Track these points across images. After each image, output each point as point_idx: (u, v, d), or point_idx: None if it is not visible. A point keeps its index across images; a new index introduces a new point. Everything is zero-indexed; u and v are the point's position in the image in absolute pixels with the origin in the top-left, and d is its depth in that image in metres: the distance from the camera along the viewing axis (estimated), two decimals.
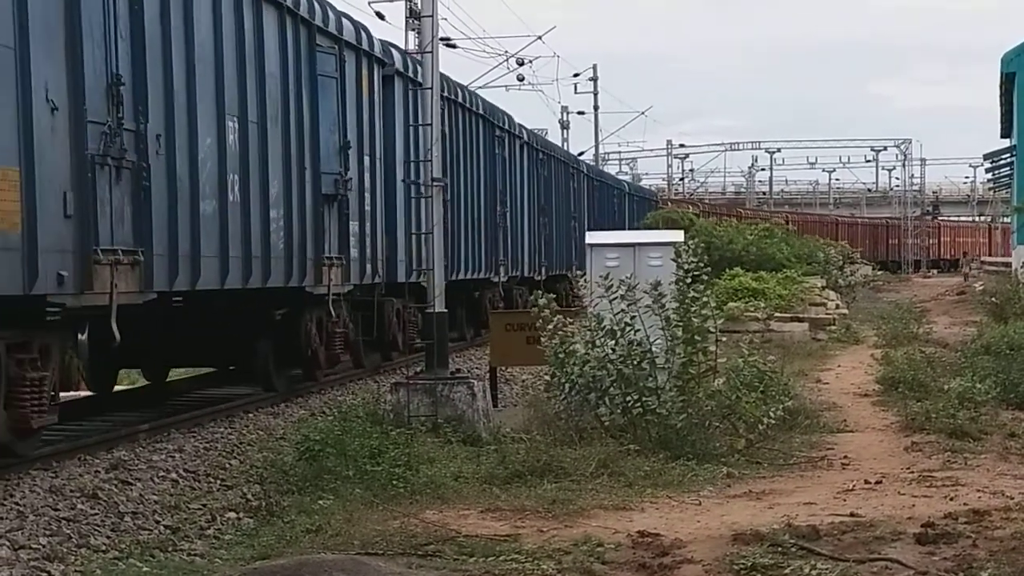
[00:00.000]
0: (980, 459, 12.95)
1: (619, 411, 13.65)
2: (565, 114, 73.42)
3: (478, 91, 33.02)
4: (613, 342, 13.66)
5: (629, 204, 52.97)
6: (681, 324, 13.72)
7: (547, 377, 14.63)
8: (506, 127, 31.16)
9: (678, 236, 16.67)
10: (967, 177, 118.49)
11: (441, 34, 19.85)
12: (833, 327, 29.17)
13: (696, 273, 14.01)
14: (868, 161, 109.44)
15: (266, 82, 16.57)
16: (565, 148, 55.71)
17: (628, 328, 13.63)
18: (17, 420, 11.75)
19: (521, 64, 53.77)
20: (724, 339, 14.73)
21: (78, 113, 12.02)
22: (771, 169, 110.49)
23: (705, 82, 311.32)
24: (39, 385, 11.95)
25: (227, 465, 13.15)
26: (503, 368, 19.49)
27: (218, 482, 12.34)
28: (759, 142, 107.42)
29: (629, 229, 41.29)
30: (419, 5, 17.97)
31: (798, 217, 79.82)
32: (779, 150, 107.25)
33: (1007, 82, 42.45)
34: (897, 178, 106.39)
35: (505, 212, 30.71)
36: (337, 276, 18.91)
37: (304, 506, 10.72)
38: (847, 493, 11.32)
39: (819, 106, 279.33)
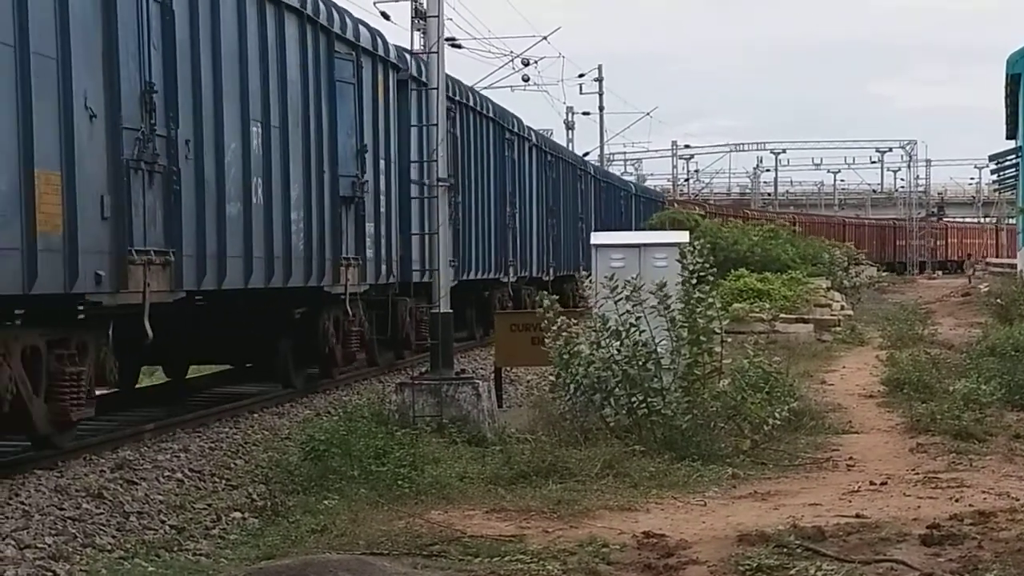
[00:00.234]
0: (985, 460, 12.94)
1: (624, 412, 13.64)
2: (570, 114, 73.48)
3: (483, 91, 33.20)
4: (618, 343, 13.66)
5: (636, 205, 53.16)
6: (686, 325, 13.72)
7: (552, 378, 14.62)
8: (516, 130, 31.61)
9: (683, 237, 16.65)
10: (972, 178, 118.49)
11: (447, 34, 19.87)
12: (838, 328, 29.14)
13: (702, 274, 14.01)
14: (873, 162, 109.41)
15: (288, 88, 17.10)
16: (570, 149, 55.72)
17: (633, 329, 13.63)
18: (57, 413, 12.32)
19: (526, 64, 53.89)
20: (729, 340, 14.72)
21: (114, 120, 12.56)
22: (776, 170, 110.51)
23: (708, 82, 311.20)
24: (77, 379, 12.51)
25: (232, 465, 13.15)
26: (508, 368, 19.49)
27: (223, 482, 12.34)
28: (764, 143, 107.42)
29: (636, 230, 41.38)
30: (425, 5, 17.99)
31: (805, 218, 79.83)
32: (784, 151, 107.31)
33: (1012, 83, 42.38)
34: (902, 179, 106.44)
35: (515, 213, 31.11)
36: (354, 276, 19.42)
37: (309, 506, 10.73)
38: (852, 494, 11.31)
39: (821, 106, 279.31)
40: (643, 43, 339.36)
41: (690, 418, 13.17)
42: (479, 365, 22.89)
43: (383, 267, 20.90)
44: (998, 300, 31.84)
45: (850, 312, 33.81)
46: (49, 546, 9.51)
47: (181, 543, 9.84)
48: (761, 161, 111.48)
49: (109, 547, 9.64)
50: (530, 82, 56.51)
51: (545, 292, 15.08)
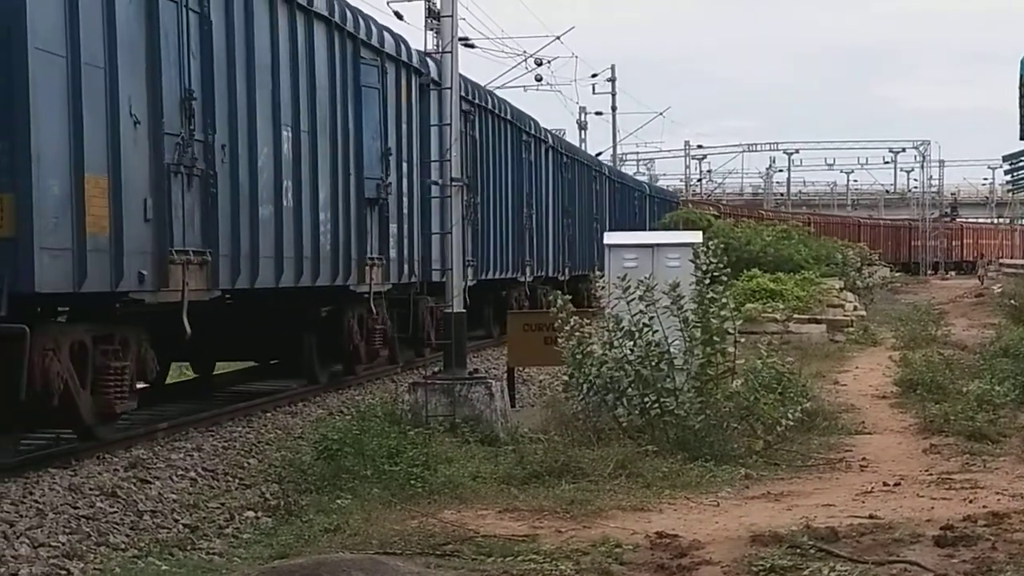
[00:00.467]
0: (999, 462, 12.91)
1: (637, 412, 13.64)
2: (583, 114, 73.49)
3: (496, 91, 33.33)
4: (631, 343, 13.65)
5: (650, 206, 53.41)
6: (699, 325, 13.71)
7: (565, 377, 14.62)
8: (533, 132, 32.04)
9: (696, 237, 16.64)
10: (986, 179, 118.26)
11: (460, 34, 19.89)
12: (851, 329, 29.11)
13: (715, 274, 14.00)
14: (887, 162, 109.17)
15: (316, 94, 17.64)
16: (583, 149, 55.75)
17: (646, 329, 13.62)
18: (103, 405, 12.89)
19: (539, 64, 53.88)
20: (742, 340, 14.71)
21: (156, 126, 13.17)
22: (789, 170, 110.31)
23: (721, 83, 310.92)
24: (121, 373, 13.10)
25: (245, 464, 13.17)
26: (521, 368, 19.49)
27: (236, 481, 12.35)
28: (777, 143, 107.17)
29: (650, 230, 41.50)
30: (439, 5, 18.05)
31: (820, 219, 79.70)
32: (797, 151, 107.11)
33: None
34: (915, 180, 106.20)
35: (531, 214, 31.55)
36: (378, 275, 20.02)
37: (322, 505, 10.74)
38: (866, 495, 11.30)
39: (832, 107, 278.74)
40: (656, 44, 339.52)
41: (703, 418, 13.16)
42: (492, 365, 22.90)
43: (405, 267, 21.37)
44: (1012, 301, 31.81)
45: (863, 312, 33.77)
46: (63, 544, 9.53)
47: (194, 542, 9.85)
48: (774, 161, 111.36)
49: (123, 546, 9.66)
50: (543, 82, 56.55)
51: (559, 292, 15.07)
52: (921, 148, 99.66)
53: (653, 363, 13.55)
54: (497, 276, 28.19)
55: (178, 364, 20.08)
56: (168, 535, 10.06)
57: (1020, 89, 43.45)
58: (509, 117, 29.43)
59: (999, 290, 43.44)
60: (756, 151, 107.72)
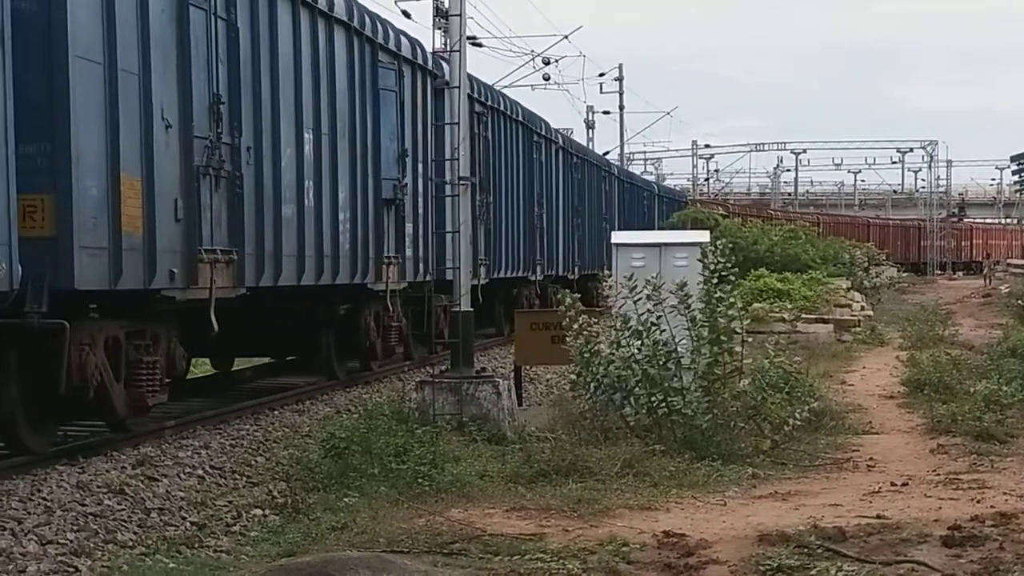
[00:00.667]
0: (1006, 462, 12.90)
1: (644, 411, 13.63)
2: (590, 114, 73.44)
3: (504, 90, 33.46)
4: (639, 342, 13.65)
5: (659, 205, 53.71)
6: (707, 324, 13.69)
7: (572, 376, 14.62)
8: (543, 133, 32.45)
9: (704, 236, 16.62)
10: (993, 179, 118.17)
11: (468, 33, 19.88)
12: (858, 329, 29.10)
13: (723, 273, 13.99)
14: (894, 162, 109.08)
15: (336, 97, 18.06)
16: (590, 148, 55.78)
17: (654, 328, 13.61)
18: (135, 398, 13.36)
19: (547, 63, 53.78)
20: (750, 340, 14.70)
21: (187, 129, 13.66)
22: (796, 170, 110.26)
23: (728, 82, 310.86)
24: (152, 367, 13.59)
25: (253, 462, 13.19)
26: (528, 367, 19.50)
27: (244, 479, 12.37)
28: (784, 143, 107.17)
29: (659, 230, 41.67)
30: (447, 4, 18.03)
31: (829, 219, 79.61)
32: (804, 151, 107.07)
33: None
34: (923, 180, 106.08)
35: (542, 214, 31.92)
36: (394, 274, 20.49)
37: (330, 503, 10.74)
38: (873, 495, 11.29)
39: (836, 107, 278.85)
40: (657, 44, 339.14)
41: (710, 418, 13.16)
42: (500, 364, 22.91)
43: (420, 265, 21.77)
44: (1019, 301, 31.78)
45: (870, 312, 33.74)
46: (71, 542, 9.55)
47: (202, 540, 9.86)
48: (781, 161, 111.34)
49: (130, 543, 9.66)
50: (551, 81, 56.46)
51: (567, 291, 15.07)
52: (929, 148, 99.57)
53: (660, 362, 13.55)
54: (509, 275, 28.55)
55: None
56: (176, 533, 10.06)
57: None
58: (521, 118, 29.78)
59: (1006, 290, 43.40)
60: (763, 151, 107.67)
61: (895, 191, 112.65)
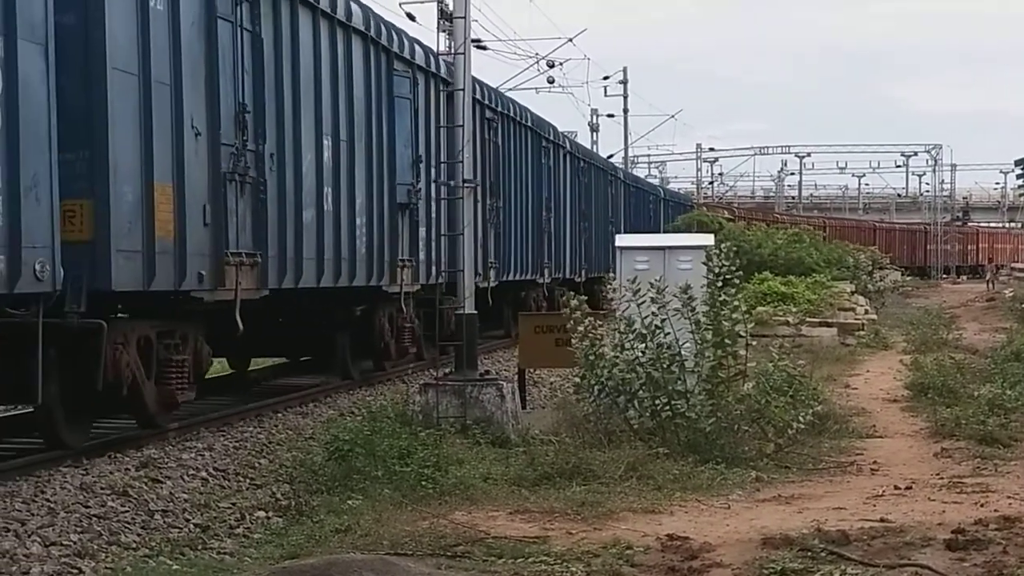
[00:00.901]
0: (1010, 466, 12.89)
1: (648, 414, 13.63)
2: (595, 117, 73.41)
3: (508, 93, 33.54)
4: (643, 345, 13.64)
5: (664, 209, 53.97)
6: (711, 327, 13.69)
7: (576, 379, 14.62)
8: (551, 138, 32.88)
9: (708, 240, 16.62)
10: (997, 183, 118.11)
11: (472, 36, 19.90)
12: (862, 332, 29.08)
13: (727, 276, 13.98)
14: (899, 166, 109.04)
15: (354, 105, 18.59)
16: (595, 151, 55.79)
17: (658, 331, 13.61)
18: (166, 395, 13.92)
19: (551, 66, 53.81)
20: (754, 343, 14.70)
21: (214, 137, 14.21)
22: (800, 173, 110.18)
23: (732, 86, 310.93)
24: (181, 366, 14.13)
25: (256, 464, 13.18)
26: (532, 370, 19.50)
27: (247, 481, 12.36)
28: (789, 146, 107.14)
29: (665, 233, 41.82)
30: (451, 7, 18.05)
31: (835, 222, 79.54)
32: (809, 154, 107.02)
33: None
34: (927, 183, 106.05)
35: (550, 218, 32.30)
36: (408, 276, 20.99)
37: (333, 506, 10.74)
38: (877, 498, 11.28)
39: (838, 108, 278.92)
40: (662, 43, 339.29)
41: (714, 421, 13.16)
42: (504, 367, 22.91)
43: (433, 268, 22.15)
44: (1023, 305, 31.75)
45: (874, 316, 33.73)
46: (74, 543, 9.55)
47: (205, 541, 9.86)
48: (786, 164, 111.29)
49: (134, 545, 9.66)
50: (555, 84, 56.46)
51: (573, 293, 15.05)
52: (933, 152, 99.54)
53: (664, 365, 13.55)
54: (517, 278, 28.90)
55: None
56: (179, 535, 10.06)
57: None
58: (530, 124, 30.17)
59: (1010, 294, 43.38)
60: (768, 154, 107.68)
61: (899, 195, 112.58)
